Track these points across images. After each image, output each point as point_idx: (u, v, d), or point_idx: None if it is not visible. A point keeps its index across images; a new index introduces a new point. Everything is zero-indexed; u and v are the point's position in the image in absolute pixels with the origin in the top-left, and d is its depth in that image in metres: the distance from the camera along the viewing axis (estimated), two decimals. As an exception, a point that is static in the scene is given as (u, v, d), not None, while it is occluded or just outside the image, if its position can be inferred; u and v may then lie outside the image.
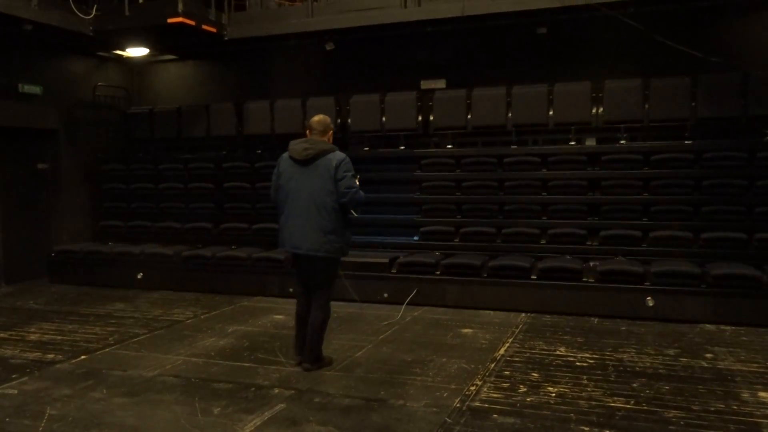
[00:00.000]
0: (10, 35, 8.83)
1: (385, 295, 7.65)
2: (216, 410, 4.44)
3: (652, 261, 7.27)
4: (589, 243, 7.86)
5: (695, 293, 6.79)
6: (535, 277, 7.35)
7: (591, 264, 7.33)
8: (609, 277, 7.10)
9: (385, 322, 6.80)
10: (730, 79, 7.64)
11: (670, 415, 4.25)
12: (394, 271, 7.85)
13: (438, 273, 7.69)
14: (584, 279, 7.21)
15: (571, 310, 7.12)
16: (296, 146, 5.22)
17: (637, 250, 7.59)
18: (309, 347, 5.24)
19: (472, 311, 7.26)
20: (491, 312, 7.21)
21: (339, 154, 5.15)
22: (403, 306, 7.33)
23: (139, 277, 8.98)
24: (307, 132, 5.33)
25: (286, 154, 5.31)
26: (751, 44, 8.07)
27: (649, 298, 6.87)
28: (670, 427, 4.07)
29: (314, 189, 5.06)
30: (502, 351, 5.75)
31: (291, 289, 7.90)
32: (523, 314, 7.10)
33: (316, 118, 5.37)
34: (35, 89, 9.45)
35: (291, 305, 7.63)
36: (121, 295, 8.43)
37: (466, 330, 6.50)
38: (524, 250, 7.98)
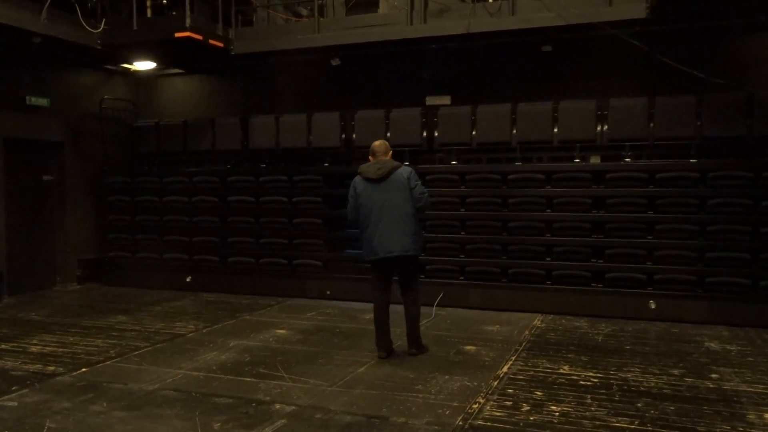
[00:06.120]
0: (19, 48, 8.92)
1: None
2: (216, 425, 4.41)
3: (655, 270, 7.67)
4: (593, 261, 7.86)
5: (693, 297, 7.46)
6: (549, 282, 8.00)
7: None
8: (615, 282, 7.73)
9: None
10: (735, 98, 7.63)
11: (675, 436, 4.21)
12: (422, 276, 7.92)
13: (462, 278, 8.34)
14: (593, 284, 7.83)
15: (581, 311, 7.79)
16: (369, 168, 5.99)
17: (642, 268, 7.65)
18: (412, 337, 6.12)
19: (476, 322, 7.26)
20: (498, 326, 7.19)
21: (406, 168, 6.04)
22: (434, 308, 7.98)
23: (188, 280, 9.65)
24: (370, 157, 6.10)
25: (358, 178, 6.04)
26: (757, 64, 8.09)
27: (651, 301, 7.53)
28: (675, 448, 4.03)
29: (395, 200, 5.87)
30: (505, 369, 5.71)
31: (328, 292, 8.89)
32: (527, 331, 7.06)
33: (377, 143, 6.18)
34: (42, 101, 9.51)
35: (294, 320, 7.68)
36: (124, 308, 8.43)
37: (469, 347, 6.46)
38: (529, 266, 8.07)
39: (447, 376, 5.48)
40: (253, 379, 5.42)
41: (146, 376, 5.50)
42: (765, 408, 4.72)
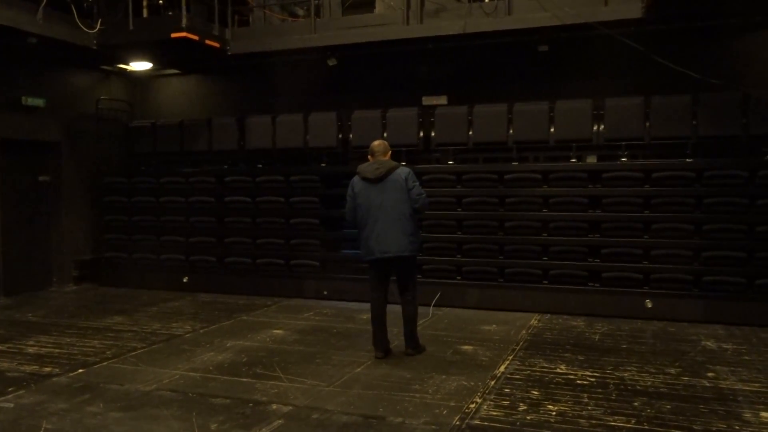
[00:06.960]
0: (15, 48, 8.90)
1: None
2: (213, 426, 4.41)
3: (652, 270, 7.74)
4: (590, 260, 7.88)
5: (689, 296, 7.50)
6: (546, 282, 8.03)
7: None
8: (612, 281, 7.77)
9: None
10: (730, 98, 7.65)
11: (672, 435, 4.22)
12: (419, 276, 7.90)
13: (459, 278, 8.38)
14: (590, 284, 7.87)
15: (578, 311, 7.83)
16: (367, 168, 5.99)
17: (638, 268, 7.68)
18: (409, 336, 6.12)
19: (473, 322, 7.28)
20: (495, 326, 7.20)
21: (405, 169, 6.03)
22: (431, 307, 8.03)
23: (185, 280, 9.66)
24: (370, 157, 6.11)
25: (356, 178, 6.05)
26: (752, 64, 8.11)
27: (647, 300, 7.57)
28: (672, 447, 4.04)
29: (392, 200, 5.86)
30: (502, 368, 5.72)
31: (325, 292, 8.90)
32: (524, 331, 7.07)
33: (376, 142, 6.19)
34: (38, 102, 9.49)
35: (292, 320, 7.68)
36: (121, 309, 8.41)
37: (466, 347, 6.46)
38: (525, 266, 8.10)
39: (444, 376, 5.49)
40: (250, 380, 5.42)
41: (143, 377, 5.50)
42: (761, 406, 4.74)
